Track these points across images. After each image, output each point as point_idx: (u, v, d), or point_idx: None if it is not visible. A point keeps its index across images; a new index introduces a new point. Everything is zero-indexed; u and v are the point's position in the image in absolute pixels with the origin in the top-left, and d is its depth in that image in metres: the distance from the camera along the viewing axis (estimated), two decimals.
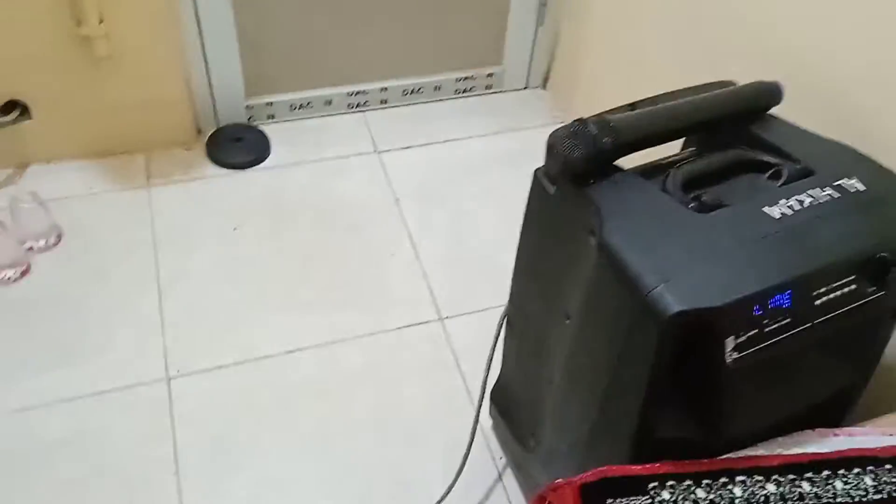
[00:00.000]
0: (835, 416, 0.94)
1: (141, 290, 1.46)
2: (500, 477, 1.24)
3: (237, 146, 1.75)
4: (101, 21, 1.49)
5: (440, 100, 1.96)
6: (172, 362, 1.36)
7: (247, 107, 1.81)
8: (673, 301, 0.69)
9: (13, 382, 1.30)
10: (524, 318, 1.05)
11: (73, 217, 1.57)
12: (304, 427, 1.29)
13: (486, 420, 1.27)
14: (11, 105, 1.59)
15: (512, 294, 1.06)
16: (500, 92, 2.01)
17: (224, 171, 1.72)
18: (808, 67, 1.09)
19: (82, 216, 1.58)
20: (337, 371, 1.37)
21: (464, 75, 1.95)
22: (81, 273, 1.49)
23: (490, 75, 1.98)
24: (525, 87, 2.03)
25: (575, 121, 0.83)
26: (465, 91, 1.98)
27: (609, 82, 1.72)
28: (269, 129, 1.82)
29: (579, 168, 0.80)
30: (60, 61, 1.55)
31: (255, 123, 1.83)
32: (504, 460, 1.26)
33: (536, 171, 0.89)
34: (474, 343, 1.35)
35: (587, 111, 0.85)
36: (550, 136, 0.83)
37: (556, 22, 1.90)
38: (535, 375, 1.04)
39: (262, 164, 1.74)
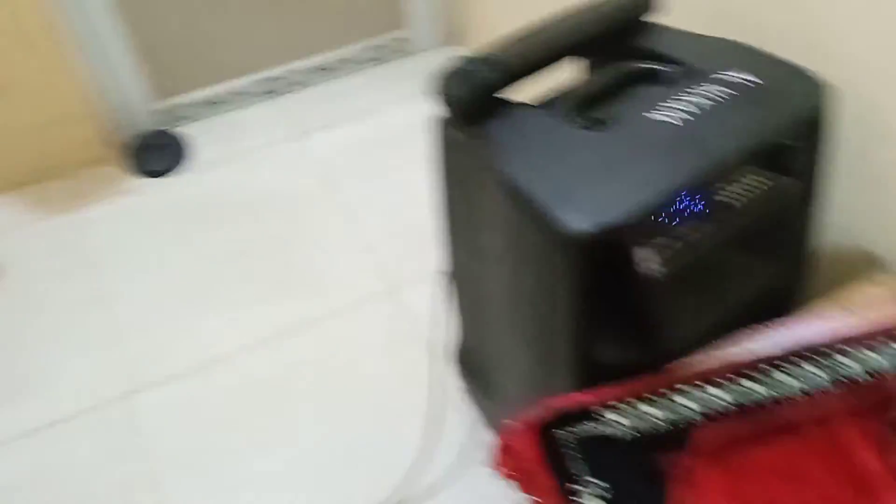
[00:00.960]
0: (777, 312, 0.94)
1: (85, 313, 1.43)
2: (473, 436, 1.23)
3: (156, 154, 1.71)
4: None
5: (354, 73, 1.92)
6: (130, 378, 1.33)
7: (159, 111, 1.76)
8: (579, 222, 0.68)
9: None
10: (462, 273, 1.03)
11: (3, 251, 1.54)
12: (275, 423, 1.26)
13: (458, 385, 1.25)
14: None
15: (446, 252, 1.04)
16: (415, 54, 1.97)
17: (147, 180, 1.68)
18: None
19: (12, 249, 1.55)
20: (296, 362, 1.34)
21: (373, 44, 1.91)
22: (23, 306, 1.45)
23: (401, 40, 1.94)
24: (442, 45, 1.99)
25: (455, 60, 0.81)
26: (377, 59, 1.94)
27: (524, 21, 1.69)
28: (186, 131, 1.77)
29: (466, 107, 0.78)
30: None
31: (170, 127, 1.78)
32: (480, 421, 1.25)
33: (432, 119, 0.87)
34: (431, 309, 1.33)
35: None
36: (435, 80, 0.81)
37: None
38: (484, 327, 1.02)
39: (184, 167, 1.70)
